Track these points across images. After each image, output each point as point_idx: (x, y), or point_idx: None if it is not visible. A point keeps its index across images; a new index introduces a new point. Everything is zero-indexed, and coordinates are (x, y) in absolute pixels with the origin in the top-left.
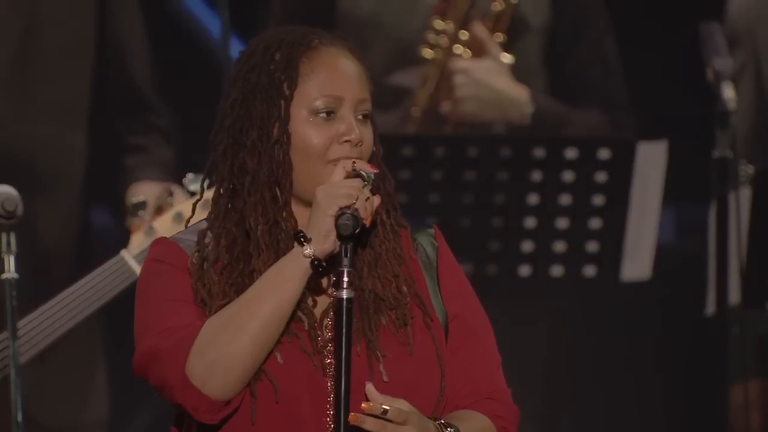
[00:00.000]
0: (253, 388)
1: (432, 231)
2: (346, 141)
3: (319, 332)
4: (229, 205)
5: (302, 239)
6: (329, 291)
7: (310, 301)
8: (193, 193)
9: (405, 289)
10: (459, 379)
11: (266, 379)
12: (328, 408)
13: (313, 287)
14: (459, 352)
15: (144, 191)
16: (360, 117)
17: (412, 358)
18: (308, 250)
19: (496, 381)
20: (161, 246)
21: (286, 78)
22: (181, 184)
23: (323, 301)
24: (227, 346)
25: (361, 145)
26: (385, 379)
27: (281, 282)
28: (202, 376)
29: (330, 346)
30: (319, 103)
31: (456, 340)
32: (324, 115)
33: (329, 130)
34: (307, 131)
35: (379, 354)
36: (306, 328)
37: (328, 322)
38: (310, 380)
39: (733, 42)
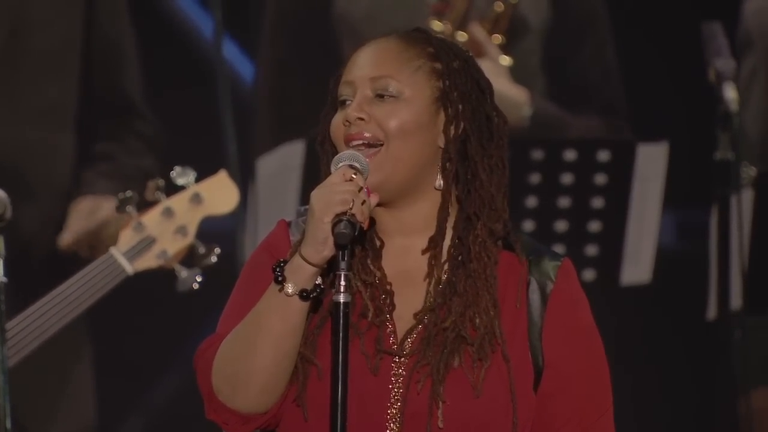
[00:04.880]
0: (303, 388)
1: (557, 263)
2: (346, 121)
3: (393, 340)
4: None
5: (279, 277)
6: (417, 316)
7: (392, 323)
8: (182, 187)
9: (488, 320)
10: (550, 424)
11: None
12: (388, 407)
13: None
14: (553, 397)
15: (75, 211)
16: (374, 95)
17: (478, 402)
18: (290, 288)
19: (597, 428)
20: (275, 232)
21: (334, 81)
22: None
23: (408, 320)
24: (243, 362)
25: (362, 122)
26: (440, 425)
27: (280, 308)
28: (227, 392)
29: (401, 358)
30: (338, 93)
31: (549, 386)
32: (341, 103)
33: (341, 115)
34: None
35: (440, 400)
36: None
37: (409, 342)
38: (360, 380)
39: (747, 43)
